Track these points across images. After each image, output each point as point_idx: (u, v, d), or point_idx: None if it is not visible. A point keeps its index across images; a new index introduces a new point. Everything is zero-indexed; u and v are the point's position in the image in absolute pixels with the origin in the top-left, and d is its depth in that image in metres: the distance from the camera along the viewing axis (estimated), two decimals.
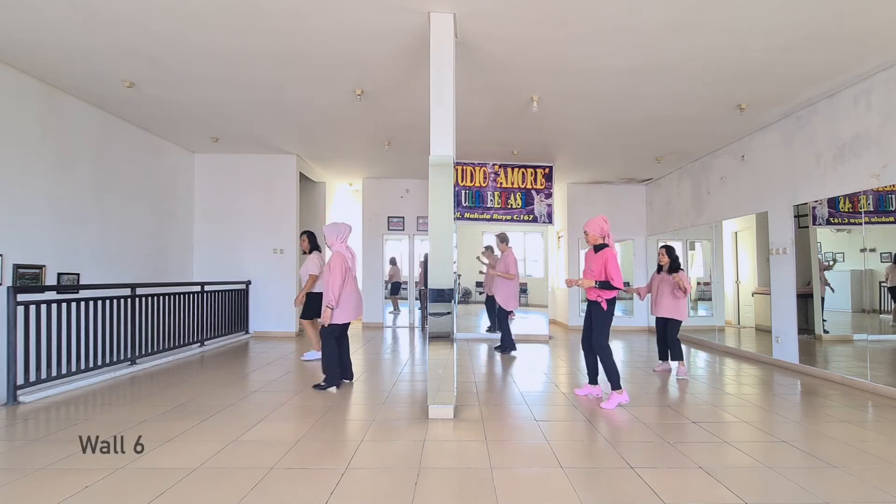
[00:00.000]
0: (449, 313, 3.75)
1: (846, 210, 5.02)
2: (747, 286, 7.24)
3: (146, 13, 3.74)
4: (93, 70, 4.72)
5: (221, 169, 8.01)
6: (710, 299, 7.87)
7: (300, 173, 8.35)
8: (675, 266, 5.18)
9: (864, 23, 3.74)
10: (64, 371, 4.40)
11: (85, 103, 5.55)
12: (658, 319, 5.32)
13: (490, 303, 7.30)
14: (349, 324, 4.48)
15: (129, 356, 5.24)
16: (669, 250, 5.25)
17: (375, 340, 7.69)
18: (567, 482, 2.51)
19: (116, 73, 4.81)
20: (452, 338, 3.77)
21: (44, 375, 4.18)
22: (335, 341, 4.43)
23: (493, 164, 8.12)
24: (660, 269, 5.31)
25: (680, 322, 5.20)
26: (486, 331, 8.03)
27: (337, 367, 4.45)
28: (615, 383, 4.00)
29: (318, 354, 5.86)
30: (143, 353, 5.51)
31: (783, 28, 3.83)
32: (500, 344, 6.67)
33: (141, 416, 3.58)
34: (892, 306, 4.93)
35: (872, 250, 4.79)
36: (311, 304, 5.83)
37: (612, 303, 4.04)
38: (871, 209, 4.71)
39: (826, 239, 5.40)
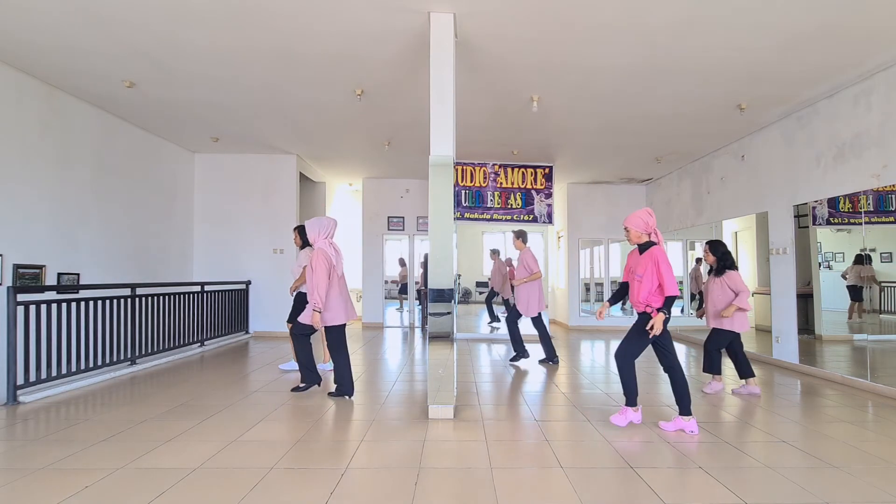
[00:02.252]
0: (449, 313, 3.75)
1: (846, 210, 5.01)
2: (747, 286, 7.22)
3: (146, 13, 3.74)
4: (93, 70, 4.72)
5: (221, 169, 8.01)
6: None
7: (300, 173, 8.35)
8: (724, 265, 4.31)
9: (863, 23, 3.73)
10: (64, 371, 4.40)
11: (85, 103, 5.55)
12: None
13: (490, 301, 7.29)
14: (345, 326, 4.13)
15: (129, 356, 5.24)
16: (714, 246, 4.35)
17: (375, 340, 7.69)
18: (567, 482, 2.51)
19: (116, 73, 4.81)
20: (452, 338, 3.77)
21: (44, 375, 4.18)
22: (309, 340, 4.19)
23: (493, 164, 8.12)
24: (710, 270, 4.48)
25: (728, 332, 4.31)
26: (488, 323, 8.01)
27: (313, 365, 4.26)
28: (685, 408, 3.31)
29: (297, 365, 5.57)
30: (143, 353, 5.51)
31: (783, 28, 3.83)
32: (514, 355, 5.87)
33: (141, 416, 3.58)
34: (849, 303, 5.05)
35: (872, 250, 4.79)
36: (298, 307, 5.49)
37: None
38: (871, 209, 4.71)
39: (826, 239, 5.40)
